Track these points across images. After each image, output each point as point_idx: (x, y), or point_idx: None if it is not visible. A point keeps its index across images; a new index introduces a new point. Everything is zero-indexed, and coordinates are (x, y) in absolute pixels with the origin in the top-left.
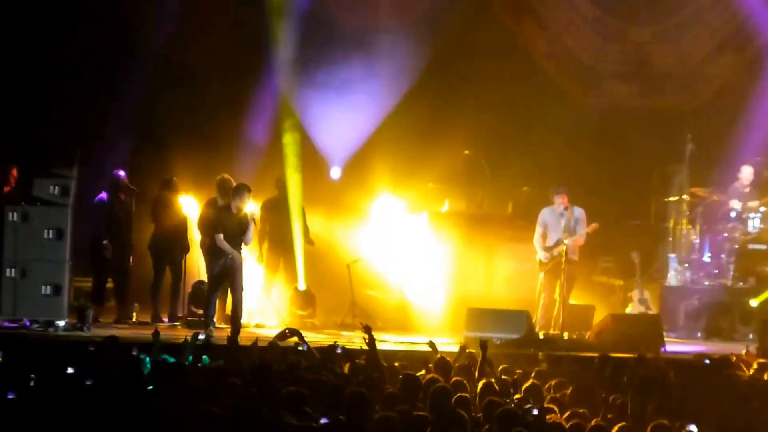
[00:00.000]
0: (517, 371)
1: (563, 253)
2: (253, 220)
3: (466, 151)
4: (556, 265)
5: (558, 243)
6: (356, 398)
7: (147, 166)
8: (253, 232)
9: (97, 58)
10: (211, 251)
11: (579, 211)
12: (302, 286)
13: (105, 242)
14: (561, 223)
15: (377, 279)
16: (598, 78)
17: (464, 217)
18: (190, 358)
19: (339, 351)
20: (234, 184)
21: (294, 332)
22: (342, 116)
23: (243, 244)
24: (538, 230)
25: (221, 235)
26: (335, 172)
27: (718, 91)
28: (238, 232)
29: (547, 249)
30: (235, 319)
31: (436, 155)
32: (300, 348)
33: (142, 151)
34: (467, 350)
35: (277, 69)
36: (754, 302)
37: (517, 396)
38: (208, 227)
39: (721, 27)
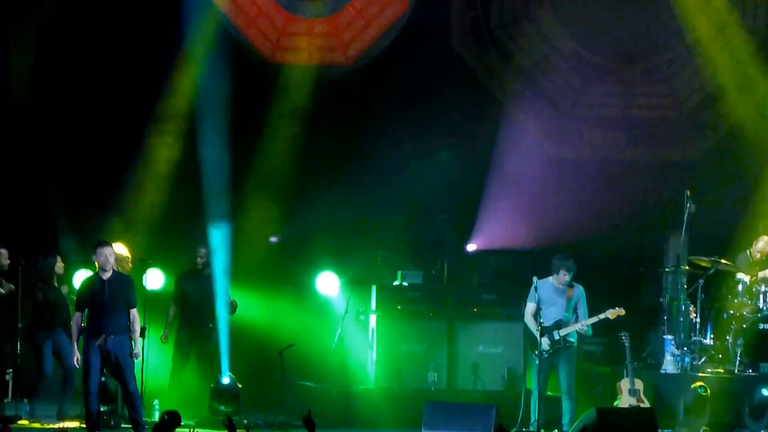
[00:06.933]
0: None
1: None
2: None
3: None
4: (556, 351)
5: (560, 324)
6: None
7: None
8: None
9: None
10: None
11: (580, 290)
12: (226, 376)
13: None
14: (562, 300)
15: (316, 366)
16: (577, 125)
17: (420, 292)
18: None
19: None
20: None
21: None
22: None
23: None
24: (530, 306)
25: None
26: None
27: (721, 140)
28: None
29: (546, 330)
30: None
31: (384, 218)
32: None
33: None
34: None
35: None
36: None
37: None
38: None
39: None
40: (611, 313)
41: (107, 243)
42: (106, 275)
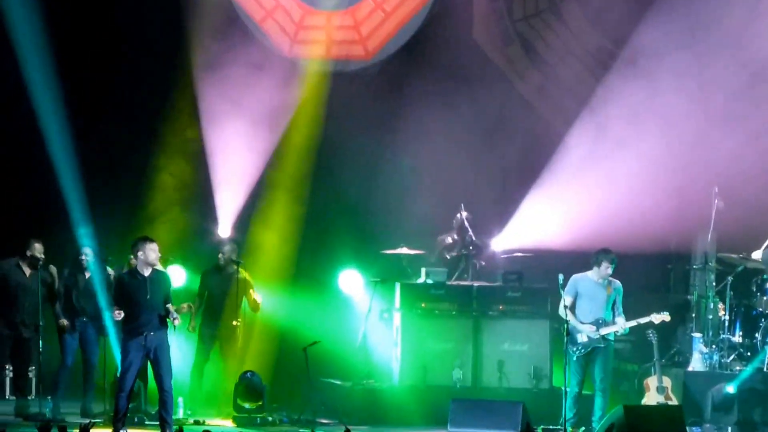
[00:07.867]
0: None
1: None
2: None
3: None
4: (594, 349)
5: (601, 323)
6: None
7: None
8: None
9: None
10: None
11: (618, 285)
12: (250, 373)
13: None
14: (602, 295)
15: (340, 364)
16: (602, 119)
17: (445, 289)
18: None
19: None
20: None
21: None
22: None
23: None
24: (566, 300)
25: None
26: None
27: (750, 135)
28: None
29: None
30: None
31: (409, 214)
32: None
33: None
34: None
35: None
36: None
37: None
38: None
39: (756, 54)
40: (656, 318)
41: (153, 239)
42: (147, 272)
